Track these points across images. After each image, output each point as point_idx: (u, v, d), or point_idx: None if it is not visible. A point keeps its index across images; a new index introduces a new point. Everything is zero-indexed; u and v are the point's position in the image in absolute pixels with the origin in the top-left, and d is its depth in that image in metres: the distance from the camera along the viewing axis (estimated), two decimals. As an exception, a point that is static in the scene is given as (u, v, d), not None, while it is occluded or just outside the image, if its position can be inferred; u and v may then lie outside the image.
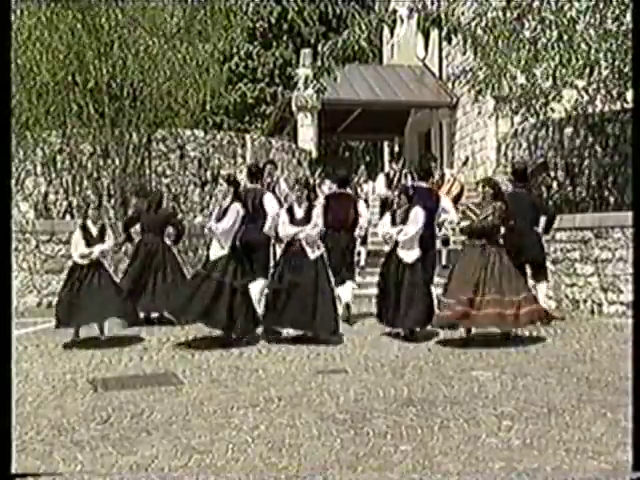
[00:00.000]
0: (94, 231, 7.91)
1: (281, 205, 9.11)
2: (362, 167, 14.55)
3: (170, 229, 9.53)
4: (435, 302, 7.74)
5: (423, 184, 9.26)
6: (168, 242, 9.42)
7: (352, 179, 13.11)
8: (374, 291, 9.66)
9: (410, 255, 7.74)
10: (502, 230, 8.17)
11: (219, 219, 7.65)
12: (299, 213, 7.91)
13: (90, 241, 7.81)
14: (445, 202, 9.31)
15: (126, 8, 11.32)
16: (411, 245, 7.76)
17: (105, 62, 11.23)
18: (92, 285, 7.70)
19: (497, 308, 7.18)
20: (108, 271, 8.02)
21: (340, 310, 8.37)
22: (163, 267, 9.12)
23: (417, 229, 7.75)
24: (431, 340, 7.55)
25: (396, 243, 7.80)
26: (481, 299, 7.19)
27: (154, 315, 9.13)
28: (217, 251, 7.62)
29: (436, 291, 8.02)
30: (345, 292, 8.93)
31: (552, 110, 11.38)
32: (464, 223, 7.60)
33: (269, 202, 8.78)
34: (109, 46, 11.28)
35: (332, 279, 7.91)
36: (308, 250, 7.76)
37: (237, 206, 7.67)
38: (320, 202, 9.36)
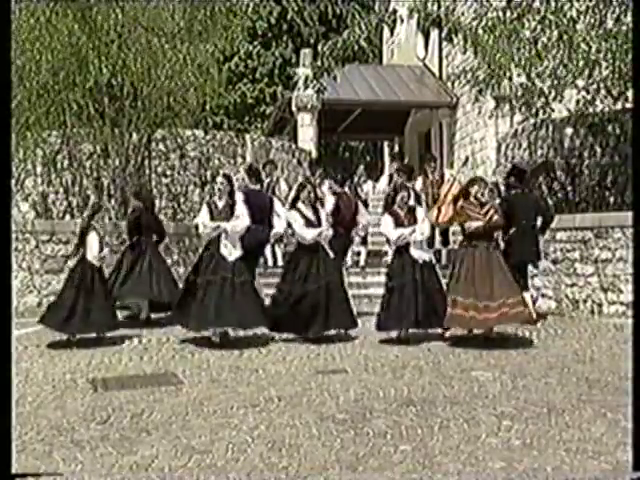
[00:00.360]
0: (101, 233, 7.97)
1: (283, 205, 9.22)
2: (361, 167, 14.50)
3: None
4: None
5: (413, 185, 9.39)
6: None
7: (352, 179, 13.13)
8: (374, 291, 9.69)
9: (425, 255, 7.82)
10: (511, 231, 8.22)
11: (227, 217, 7.62)
12: (311, 215, 7.94)
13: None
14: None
15: (126, 8, 11.30)
16: (422, 245, 7.86)
17: (105, 62, 11.22)
18: (98, 293, 7.65)
19: (506, 309, 7.27)
20: (105, 277, 8.04)
21: None
22: (162, 267, 9.23)
23: (430, 228, 8.01)
24: (430, 341, 7.55)
25: (407, 243, 7.80)
26: (501, 302, 7.28)
27: (155, 316, 9.15)
28: (232, 251, 7.58)
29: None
30: None
31: (552, 110, 11.37)
32: (475, 224, 7.56)
33: (279, 206, 8.91)
34: (109, 46, 11.27)
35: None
36: (330, 251, 7.89)
37: (244, 206, 7.72)
38: (331, 202, 9.44)
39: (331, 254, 7.92)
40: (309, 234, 7.85)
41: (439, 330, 7.67)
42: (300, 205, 8.05)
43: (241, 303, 7.39)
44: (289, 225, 8.38)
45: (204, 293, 7.46)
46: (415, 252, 7.73)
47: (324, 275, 7.71)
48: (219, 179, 7.97)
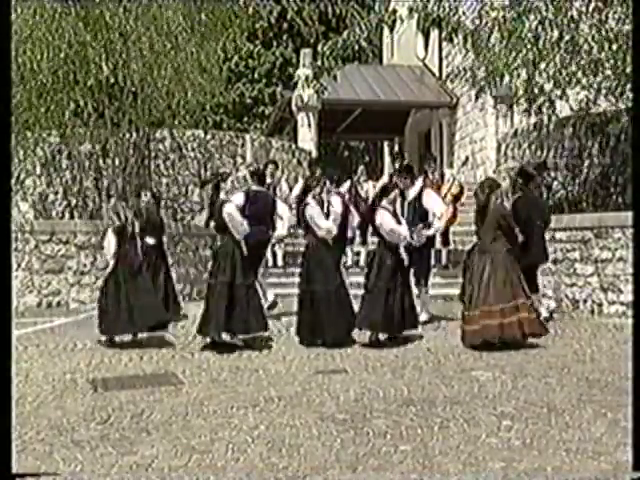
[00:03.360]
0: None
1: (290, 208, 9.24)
2: (361, 167, 14.52)
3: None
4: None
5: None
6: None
7: (352, 178, 13.10)
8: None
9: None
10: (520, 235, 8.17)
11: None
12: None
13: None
14: (428, 197, 8.79)
15: (129, 7, 11.29)
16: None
17: (106, 61, 11.20)
18: (114, 295, 7.53)
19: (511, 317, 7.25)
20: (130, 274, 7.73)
21: None
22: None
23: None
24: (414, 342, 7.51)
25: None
26: (503, 307, 7.27)
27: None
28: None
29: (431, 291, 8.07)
30: None
31: (555, 108, 11.34)
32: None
33: (282, 207, 8.92)
34: (111, 45, 11.25)
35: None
36: None
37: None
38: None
39: None
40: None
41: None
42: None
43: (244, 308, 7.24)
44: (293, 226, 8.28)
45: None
46: None
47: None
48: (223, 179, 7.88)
